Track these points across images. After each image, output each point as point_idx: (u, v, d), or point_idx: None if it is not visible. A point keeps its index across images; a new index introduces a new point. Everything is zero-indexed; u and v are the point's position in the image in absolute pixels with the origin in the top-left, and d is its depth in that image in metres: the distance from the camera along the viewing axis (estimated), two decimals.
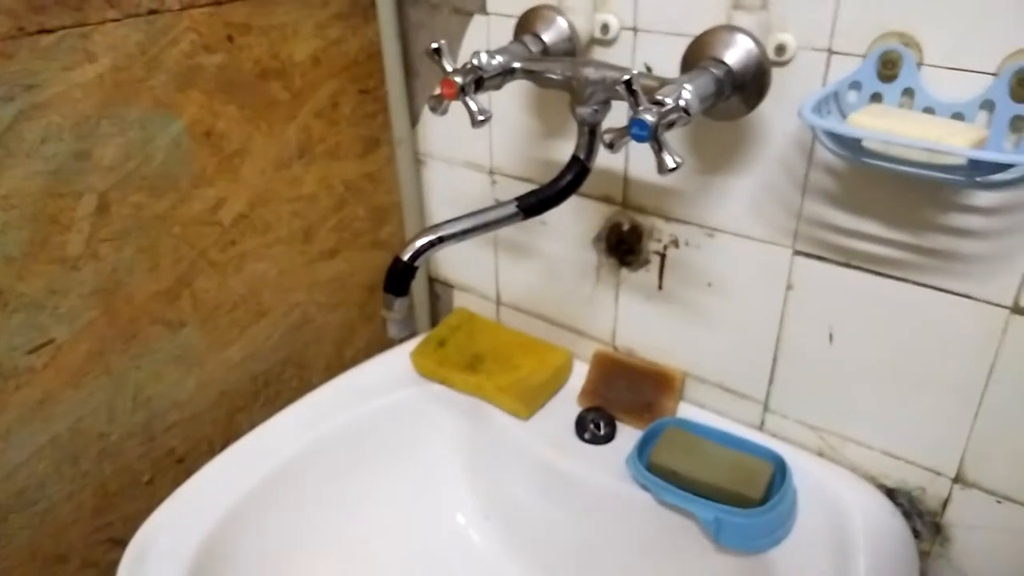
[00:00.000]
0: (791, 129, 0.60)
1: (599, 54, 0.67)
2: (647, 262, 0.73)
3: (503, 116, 0.77)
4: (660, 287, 0.74)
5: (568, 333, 0.83)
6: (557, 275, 0.81)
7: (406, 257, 0.58)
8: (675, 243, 0.71)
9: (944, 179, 0.51)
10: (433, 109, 0.60)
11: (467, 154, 0.82)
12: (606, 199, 0.73)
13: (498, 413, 0.78)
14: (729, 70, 0.55)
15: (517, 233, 0.82)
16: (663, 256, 0.72)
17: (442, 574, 0.78)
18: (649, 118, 0.49)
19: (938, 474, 0.65)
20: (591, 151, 0.60)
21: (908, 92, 0.55)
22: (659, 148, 0.50)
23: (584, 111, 0.58)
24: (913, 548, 0.66)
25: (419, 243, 0.58)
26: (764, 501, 0.64)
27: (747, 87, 0.56)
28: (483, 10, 0.73)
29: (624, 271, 0.75)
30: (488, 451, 0.78)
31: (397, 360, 0.85)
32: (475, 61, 0.58)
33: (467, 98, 0.58)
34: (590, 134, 0.59)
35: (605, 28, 0.65)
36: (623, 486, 0.70)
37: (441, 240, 0.58)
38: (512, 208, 0.59)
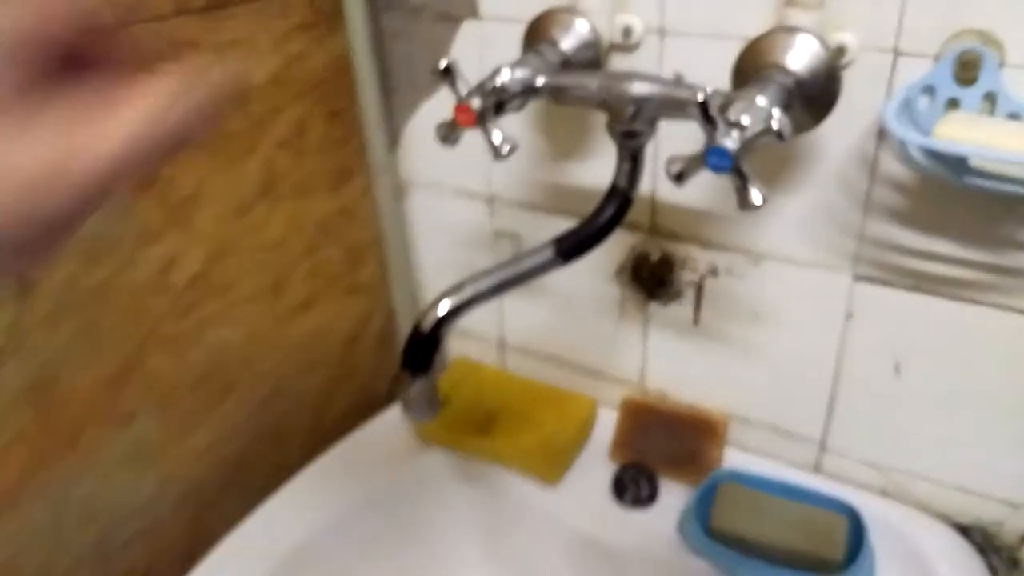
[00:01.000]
0: (851, 141, 0.53)
1: (618, 62, 0.58)
2: (680, 294, 0.65)
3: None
4: (696, 322, 0.65)
5: (588, 378, 0.74)
6: (573, 312, 0.71)
7: (427, 327, 0.47)
8: (714, 272, 0.62)
9: None
10: (444, 140, 0.50)
11: (459, 180, 0.72)
12: (630, 226, 0.64)
13: (519, 480, 0.68)
14: (797, 78, 0.47)
15: None
16: (700, 287, 0.63)
17: None
18: (730, 145, 0.40)
19: (1016, 507, 0.58)
20: (634, 179, 0.50)
21: (989, 97, 0.47)
22: (743, 180, 0.41)
23: (627, 133, 0.48)
24: None
25: (442, 309, 0.47)
26: (845, 560, 0.56)
27: (816, 97, 0.48)
28: (475, 14, 0.62)
29: (653, 305, 0.66)
30: (511, 525, 0.68)
31: (392, 425, 0.74)
32: (497, 81, 0.48)
33: (489, 125, 0.48)
34: (632, 159, 0.50)
35: (627, 32, 0.56)
36: (676, 555, 0.61)
37: (470, 303, 0.48)
38: (548, 254, 0.49)
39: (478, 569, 0.69)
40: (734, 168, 0.40)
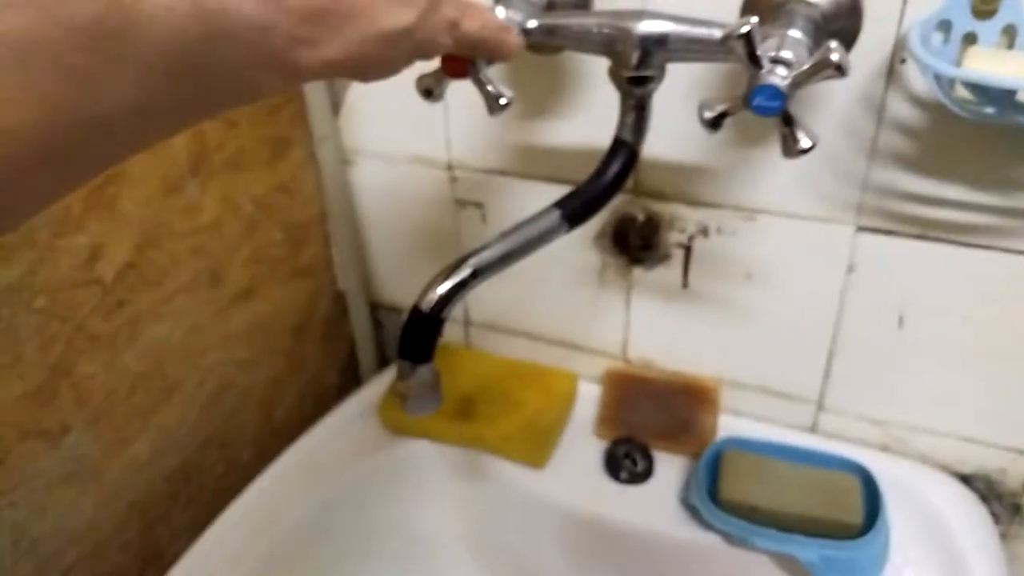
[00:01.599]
0: (857, 83, 0.50)
1: (603, 1, 0.52)
2: (667, 257, 0.61)
3: (460, 90, 0.60)
4: (685, 285, 0.61)
5: (564, 350, 0.69)
6: (547, 283, 0.66)
7: (428, 306, 0.41)
8: (704, 232, 0.59)
9: None
10: (427, 94, 0.44)
11: (413, 146, 0.65)
12: None
13: (505, 465, 0.63)
14: (822, 10, 0.43)
15: (486, 234, 0.67)
16: (688, 248, 0.60)
17: None
18: (780, 83, 0.36)
19: (1021, 453, 0.58)
20: (640, 131, 0.45)
21: (1008, 31, 0.45)
22: (791, 123, 0.37)
23: (634, 79, 0.43)
24: (997, 535, 0.59)
25: (443, 287, 0.41)
26: (864, 523, 0.54)
27: (839, 31, 0.44)
28: None
29: (637, 270, 0.62)
30: (500, 513, 0.63)
31: (356, 418, 0.68)
32: None
33: (481, 76, 0.42)
34: (637, 109, 0.45)
35: None
36: (680, 529, 0.58)
37: (475, 275, 0.42)
38: (555, 218, 0.44)
39: (468, 563, 0.64)
40: (782, 110, 0.36)
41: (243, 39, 0.25)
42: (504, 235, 0.43)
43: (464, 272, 0.42)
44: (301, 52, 0.26)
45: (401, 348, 0.42)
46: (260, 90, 0.27)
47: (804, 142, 0.37)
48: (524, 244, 0.43)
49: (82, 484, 0.56)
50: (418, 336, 0.41)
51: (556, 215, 0.44)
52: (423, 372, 0.42)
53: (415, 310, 0.41)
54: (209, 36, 0.24)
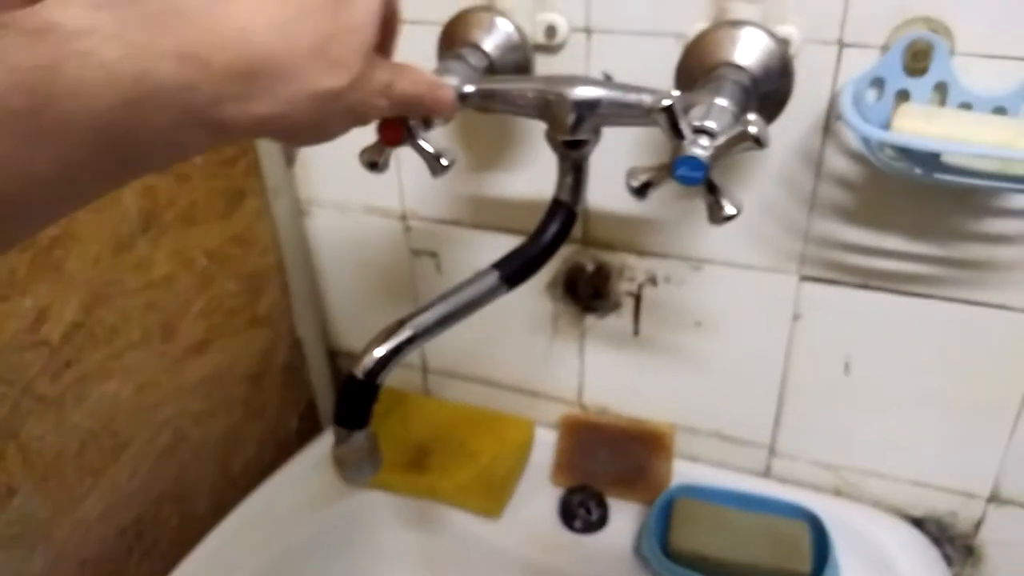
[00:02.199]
0: (795, 138, 0.51)
1: (544, 64, 0.53)
2: (617, 305, 0.61)
3: None
4: (636, 332, 0.62)
5: (522, 397, 0.69)
6: (502, 331, 0.67)
7: (362, 373, 0.41)
8: (652, 281, 0.59)
9: (1017, 189, 0.43)
10: (372, 166, 0.44)
11: (367, 196, 0.66)
12: None
13: (459, 515, 0.63)
14: (752, 75, 0.44)
15: (441, 283, 0.67)
16: (638, 297, 0.60)
17: None
18: (701, 154, 0.36)
19: (971, 496, 0.59)
20: (577, 192, 0.46)
21: (940, 87, 0.46)
22: (715, 192, 0.37)
23: (569, 143, 0.44)
24: None
25: (378, 351, 0.42)
26: (813, 571, 0.54)
27: (770, 94, 0.45)
28: None
29: (589, 318, 0.63)
30: (455, 564, 0.63)
31: (313, 468, 0.67)
32: None
33: (420, 140, 0.42)
34: (574, 171, 0.46)
35: (551, 31, 0.52)
36: None
37: (411, 341, 0.42)
38: (493, 280, 0.44)
39: None
40: (705, 180, 0.36)
41: (165, 100, 0.24)
42: (443, 297, 0.44)
43: (401, 337, 0.42)
44: (227, 108, 0.26)
45: (337, 415, 0.42)
46: (186, 149, 0.27)
47: (728, 210, 0.37)
48: (463, 306, 0.44)
49: (30, 544, 0.55)
50: (354, 402, 0.42)
51: (495, 276, 0.44)
52: (359, 438, 0.42)
53: (350, 377, 0.41)
54: (128, 102, 0.23)
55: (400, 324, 0.42)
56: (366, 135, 0.41)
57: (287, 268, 0.72)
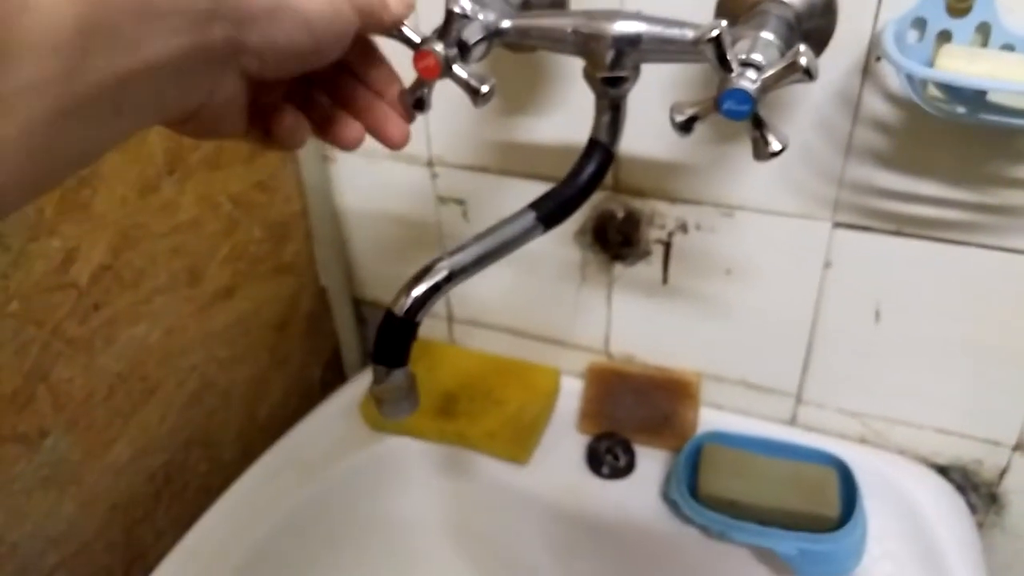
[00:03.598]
0: (833, 80, 0.49)
1: (578, 0, 0.52)
2: (647, 254, 0.61)
3: (439, 87, 0.60)
4: (665, 281, 0.61)
5: (549, 347, 0.69)
6: (530, 279, 0.66)
7: (402, 311, 0.41)
8: (683, 228, 0.59)
9: None
10: (418, 105, 0.43)
11: None
12: None
13: (487, 461, 0.63)
14: (795, 11, 0.43)
15: (468, 231, 0.67)
16: (668, 245, 0.60)
17: None
18: (749, 87, 0.35)
19: (997, 444, 0.59)
20: (615, 131, 0.45)
21: (982, 28, 0.45)
22: (761, 127, 0.37)
23: (608, 80, 0.43)
24: (974, 525, 0.60)
25: (417, 290, 0.41)
26: (841, 516, 0.54)
27: (813, 32, 0.44)
28: None
29: (618, 267, 0.62)
30: (483, 510, 0.64)
31: (340, 415, 0.68)
32: (458, 23, 0.41)
33: (458, 69, 0.41)
34: (612, 109, 0.45)
35: None
36: (660, 523, 0.59)
37: (449, 279, 0.42)
38: (530, 220, 0.44)
39: (451, 558, 0.65)
40: (752, 113, 0.36)
41: None
42: (479, 237, 0.43)
43: (439, 275, 0.41)
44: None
45: (375, 353, 0.42)
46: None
47: (774, 145, 0.37)
48: (499, 246, 0.43)
49: (62, 487, 0.56)
50: (392, 340, 0.41)
51: (531, 217, 0.44)
52: (398, 376, 0.42)
53: (389, 314, 0.41)
54: None
55: (436, 262, 0.42)
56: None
57: (311, 216, 0.72)
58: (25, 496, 0.53)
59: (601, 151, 0.45)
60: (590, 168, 0.45)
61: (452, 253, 0.42)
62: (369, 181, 0.68)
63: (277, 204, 0.69)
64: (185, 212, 0.61)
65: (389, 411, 0.43)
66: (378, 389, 0.43)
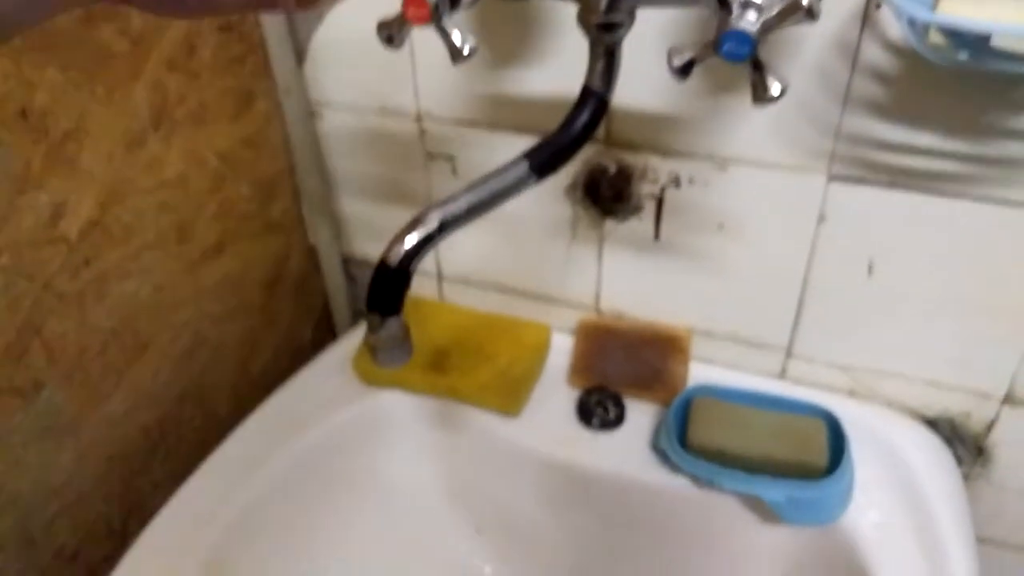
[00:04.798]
0: (831, 29, 0.49)
1: None
2: (639, 209, 0.61)
3: (427, 40, 0.59)
4: (657, 236, 0.61)
5: (536, 303, 0.69)
6: (520, 236, 0.66)
7: (395, 262, 0.41)
8: (675, 182, 0.58)
9: None
10: (389, 41, 0.43)
11: (381, 97, 0.64)
12: None
13: (479, 414, 0.64)
14: None
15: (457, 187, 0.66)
16: (660, 200, 0.60)
17: None
18: (749, 28, 0.35)
19: (986, 397, 0.60)
20: (610, 79, 0.45)
21: None
22: (761, 70, 0.36)
23: (603, 26, 0.43)
24: (959, 477, 0.61)
25: (411, 240, 0.41)
26: (829, 465, 0.55)
27: None
28: None
29: (609, 222, 0.62)
30: (474, 460, 0.64)
31: (331, 371, 0.68)
32: None
33: (444, 20, 0.41)
34: (607, 56, 0.44)
35: None
36: (650, 474, 0.59)
37: (442, 228, 0.42)
38: (523, 169, 0.44)
39: (444, 510, 0.66)
40: (751, 55, 0.36)
41: None
42: (471, 186, 0.43)
43: (431, 225, 0.41)
44: None
45: (369, 301, 0.42)
46: None
47: (774, 88, 0.37)
48: (491, 196, 0.43)
49: (59, 439, 0.56)
50: (386, 289, 0.41)
51: (524, 166, 0.44)
52: (392, 324, 0.42)
53: (382, 264, 0.41)
54: None
55: (428, 212, 0.42)
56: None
57: (298, 173, 0.71)
58: (23, 448, 0.53)
59: (595, 99, 0.45)
60: (584, 116, 0.45)
61: (444, 203, 0.42)
62: (357, 137, 0.67)
63: (264, 161, 0.69)
64: (172, 168, 0.60)
65: (384, 359, 0.43)
66: (373, 338, 0.43)
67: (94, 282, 0.56)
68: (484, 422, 0.63)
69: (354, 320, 0.79)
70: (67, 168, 0.52)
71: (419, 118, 0.64)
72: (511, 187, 0.44)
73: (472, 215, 0.43)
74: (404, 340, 0.43)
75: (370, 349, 0.44)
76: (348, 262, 0.76)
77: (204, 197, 0.64)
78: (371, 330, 0.43)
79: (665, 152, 0.57)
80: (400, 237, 0.41)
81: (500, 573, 0.66)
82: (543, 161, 0.44)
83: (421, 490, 0.66)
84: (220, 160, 0.64)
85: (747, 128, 0.54)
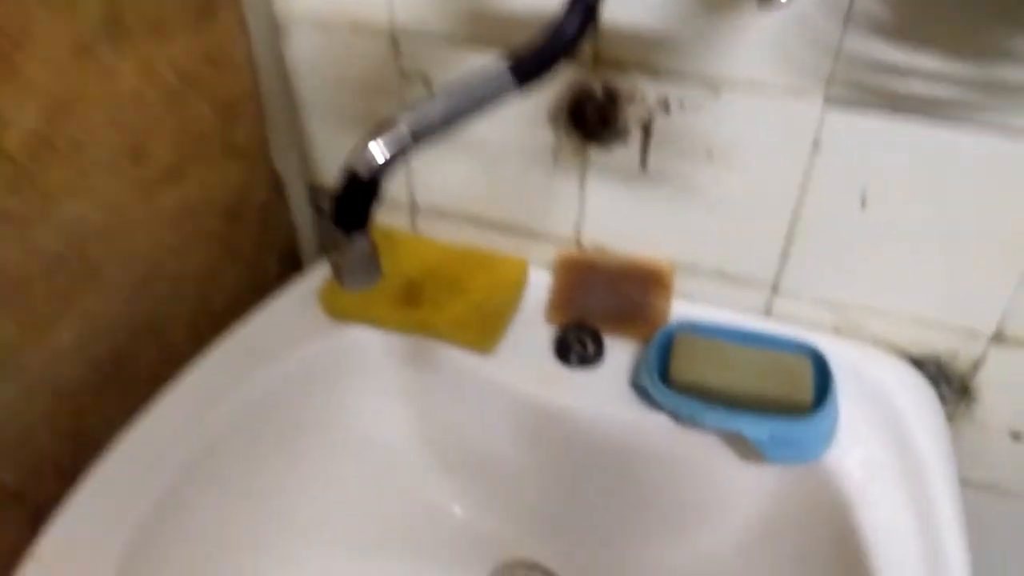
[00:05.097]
0: None
1: None
2: (625, 135, 0.58)
3: None
4: (643, 165, 0.58)
5: (514, 237, 0.66)
6: (498, 165, 0.63)
7: (365, 173, 0.38)
8: (665, 107, 0.55)
9: None
10: None
11: (352, 10, 0.60)
12: None
13: (452, 352, 0.61)
14: None
15: None
16: (648, 126, 0.57)
17: (409, 546, 0.63)
18: None
19: (974, 335, 0.58)
20: None
21: None
22: None
23: None
24: (943, 417, 0.60)
25: (379, 149, 0.38)
26: (814, 402, 0.54)
27: None
28: None
29: (593, 150, 0.59)
30: (446, 398, 0.62)
31: (297, 305, 0.65)
32: None
33: None
34: None
35: None
36: (631, 411, 0.57)
37: (415, 139, 0.38)
38: (503, 77, 0.40)
39: (416, 449, 0.63)
40: None
41: None
42: (447, 92, 0.39)
43: (402, 131, 0.38)
44: None
45: (335, 215, 0.39)
46: None
47: None
48: (469, 103, 0.40)
49: (1, 371, 0.52)
50: (352, 202, 0.38)
51: (505, 72, 0.40)
52: (359, 241, 0.39)
53: (349, 174, 0.38)
54: None
55: (399, 118, 0.38)
56: None
57: (264, 94, 0.67)
58: None
59: (584, 3, 0.41)
60: (574, 21, 0.41)
61: (416, 107, 0.39)
62: (326, 56, 0.63)
63: (226, 80, 0.64)
64: (124, 81, 0.56)
65: (350, 281, 0.40)
66: (338, 255, 0.40)
67: (40, 202, 0.52)
68: (457, 359, 0.61)
69: (321, 253, 0.76)
70: (8, 75, 0.48)
71: (393, 35, 0.60)
72: (490, 94, 0.40)
73: (446, 125, 0.39)
74: (372, 260, 0.40)
75: (335, 270, 0.41)
76: (316, 192, 0.73)
77: (160, 115, 0.59)
78: (336, 249, 0.40)
79: (655, 73, 0.54)
80: (366, 142, 0.38)
81: (471, 513, 0.64)
82: (525, 66, 0.41)
83: (390, 429, 0.64)
84: (178, 76, 0.60)
85: (743, 48, 0.51)
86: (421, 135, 0.39)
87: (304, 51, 0.64)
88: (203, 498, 0.54)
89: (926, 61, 0.48)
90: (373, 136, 0.38)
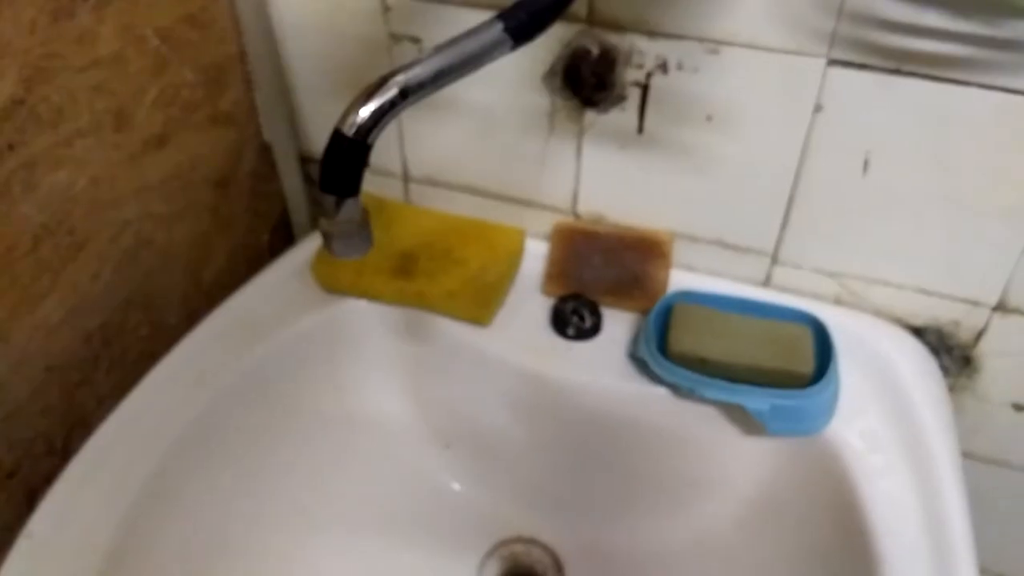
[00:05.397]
0: None
1: None
2: (622, 98, 0.56)
3: None
4: (640, 130, 0.57)
5: (511, 207, 0.65)
6: (492, 131, 0.61)
7: (351, 130, 0.36)
8: (663, 68, 0.54)
9: None
10: None
11: None
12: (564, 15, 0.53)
13: (448, 324, 0.60)
14: None
15: None
16: (646, 88, 0.55)
17: (407, 521, 0.62)
18: None
19: (976, 304, 0.57)
20: None
21: None
22: None
23: None
24: (945, 387, 0.59)
25: (367, 108, 0.36)
26: (815, 373, 0.53)
27: None
28: None
29: (590, 114, 0.58)
30: (445, 375, 0.61)
31: (290, 277, 0.63)
32: None
33: None
34: None
35: None
36: (629, 384, 0.56)
37: (404, 95, 0.37)
38: (497, 32, 0.39)
39: (411, 423, 0.62)
40: None
41: None
42: (439, 49, 0.38)
43: (391, 91, 0.37)
44: None
45: (322, 180, 0.37)
46: None
47: None
48: (461, 61, 0.38)
49: None
50: (342, 165, 0.37)
51: (498, 28, 0.39)
52: (349, 207, 0.38)
53: (336, 134, 0.36)
54: None
55: (390, 76, 0.37)
56: None
57: (251, 59, 0.65)
58: None
59: None
60: None
61: (407, 67, 0.37)
62: (314, 19, 0.61)
63: (211, 43, 0.62)
64: (106, 45, 0.54)
65: (340, 248, 0.39)
66: (327, 222, 0.38)
67: (21, 171, 0.51)
68: (453, 332, 0.60)
69: (314, 224, 0.75)
70: None
71: None
72: (483, 51, 0.39)
73: (437, 83, 0.38)
74: (363, 227, 0.39)
75: (325, 238, 0.39)
76: (306, 161, 0.71)
77: (144, 81, 0.58)
78: (325, 215, 0.38)
79: (653, 32, 0.52)
80: (356, 104, 0.36)
81: (469, 489, 0.63)
82: (520, 23, 0.39)
83: (386, 403, 0.63)
84: (161, 39, 0.58)
85: (743, 6, 0.49)
86: (411, 93, 0.37)
87: (292, 15, 0.62)
88: (196, 473, 0.53)
89: (932, 18, 0.46)
90: (362, 95, 0.36)
